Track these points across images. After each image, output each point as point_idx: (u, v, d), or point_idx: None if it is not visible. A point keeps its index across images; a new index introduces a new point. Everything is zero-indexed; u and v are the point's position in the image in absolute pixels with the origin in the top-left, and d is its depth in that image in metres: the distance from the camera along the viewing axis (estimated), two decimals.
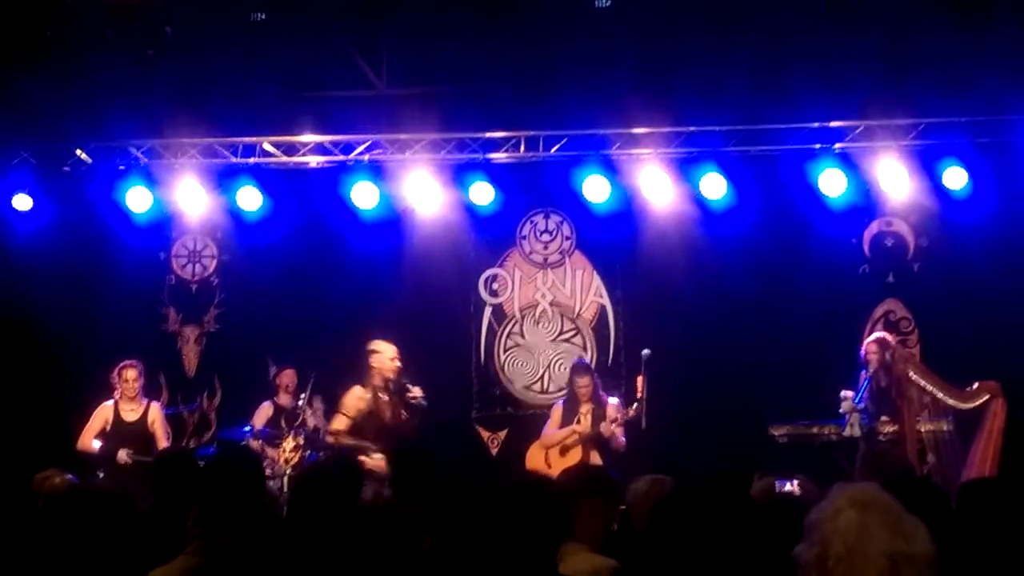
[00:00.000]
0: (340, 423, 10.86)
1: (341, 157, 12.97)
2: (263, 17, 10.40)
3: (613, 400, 11.55)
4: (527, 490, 3.85)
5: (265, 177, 13.01)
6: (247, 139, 12.96)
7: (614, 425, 11.24)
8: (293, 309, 13.17)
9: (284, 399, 11.90)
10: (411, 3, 10.73)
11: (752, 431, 11.34)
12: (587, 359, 12.81)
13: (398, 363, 10.94)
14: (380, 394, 10.91)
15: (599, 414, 11.39)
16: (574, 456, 11.25)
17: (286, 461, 11.00)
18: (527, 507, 3.72)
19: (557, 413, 11.66)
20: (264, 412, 11.85)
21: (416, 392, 10.90)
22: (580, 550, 5.13)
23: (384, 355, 11.01)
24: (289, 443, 11.17)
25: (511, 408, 13.25)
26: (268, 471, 10.96)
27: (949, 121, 12.30)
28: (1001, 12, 10.28)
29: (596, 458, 11.23)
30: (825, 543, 2.94)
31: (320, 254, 13.25)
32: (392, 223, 13.10)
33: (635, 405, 11.25)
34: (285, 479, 10.80)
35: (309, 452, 11.15)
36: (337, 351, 12.72)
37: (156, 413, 11.75)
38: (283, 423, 11.66)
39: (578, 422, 11.42)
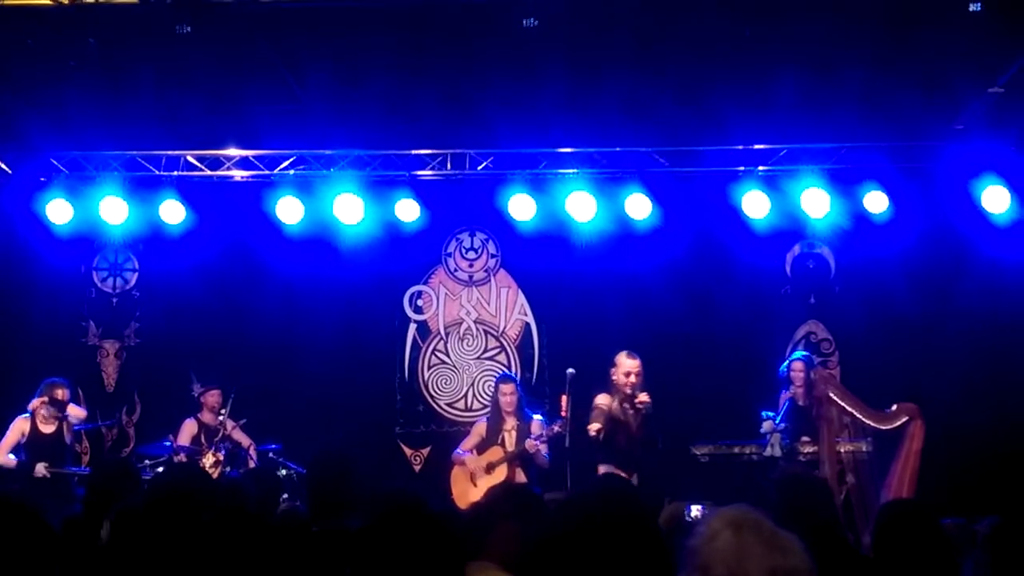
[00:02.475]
0: (597, 422, 10.69)
1: (266, 172, 12.92)
2: (189, 30, 10.27)
3: (537, 417, 11.56)
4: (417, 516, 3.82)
5: (188, 190, 12.92)
6: (170, 152, 12.87)
7: (539, 442, 11.25)
8: (215, 323, 13.08)
9: (207, 416, 11.83)
10: (338, 19, 10.66)
11: (675, 450, 11.38)
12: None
13: (633, 379, 10.79)
14: (624, 404, 10.82)
15: (524, 430, 11.39)
16: (500, 474, 11.24)
17: None
18: (418, 532, 3.70)
19: (479, 430, 11.63)
20: (189, 429, 11.79)
21: (644, 397, 10.79)
22: (488, 568, 5.11)
23: (620, 369, 10.91)
24: (209, 459, 11.14)
25: (435, 425, 13.23)
26: None
27: (870, 146, 12.49)
28: (919, 41, 10.43)
29: (521, 476, 11.23)
30: (705, 567, 2.97)
31: (243, 269, 13.17)
32: (317, 238, 13.04)
33: (559, 423, 11.25)
34: None
35: (229, 468, 11.11)
36: (259, 365, 12.69)
37: (23, 425, 11.61)
38: (203, 439, 11.60)
39: (502, 441, 11.41)
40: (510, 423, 11.47)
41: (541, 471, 11.26)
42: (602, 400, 10.75)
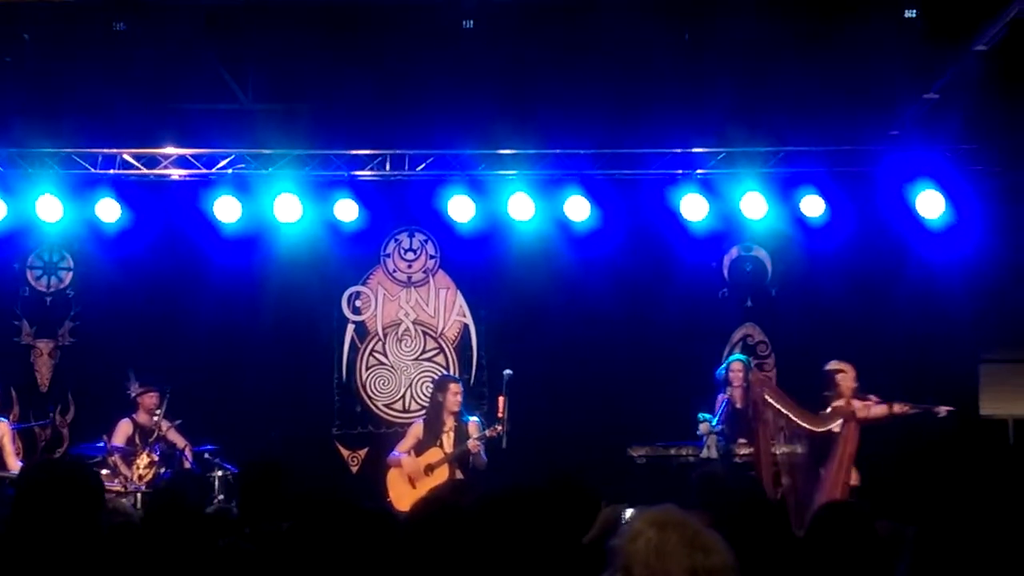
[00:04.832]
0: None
1: (203, 171, 12.82)
2: (124, 27, 10.20)
3: (474, 418, 11.56)
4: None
5: (125, 189, 12.82)
6: (107, 150, 12.75)
7: (481, 443, 11.25)
8: (151, 324, 12.97)
9: (143, 417, 11.74)
10: (278, 17, 10.62)
11: (612, 452, 11.43)
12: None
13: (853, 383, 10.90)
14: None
15: (462, 432, 11.39)
16: (440, 476, 11.22)
17: (139, 478, 10.95)
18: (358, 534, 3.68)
19: (416, 431, 11.61)
20: (124, 429, 11.70)
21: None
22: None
23: (850, 375, 10.94)
24: (143, 460, 11.08)
25: (372, 426, 13.18)
26: (121, 488, 10.84)
27: (807, 150, 12.59)
28: (855, 46, 10.53)
29: (462, 477, 11.23)
30: (627, 566, 2.99)
31: (180, 268, 13.05)
32: (255, 238, 12.97)
33: (497, 425, 11.26)
34: (139, 496, 10.68)
35: (163, 469, 11.05)
36: (196, 365, 12.60)
37: (5, 428, 11.52)
38: (138, 440, 11.51)
39: (440, 443, 11.39)
40: (449, 424, 11.46)
41: (478, 473, 11.26)
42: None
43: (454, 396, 11.53)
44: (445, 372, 12.87)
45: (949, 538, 3.64)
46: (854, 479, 10.80)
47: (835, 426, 10.82)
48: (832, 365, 11.10)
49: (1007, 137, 12.04)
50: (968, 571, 3.58)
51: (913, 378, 12.28)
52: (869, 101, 11.85)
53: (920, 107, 11.87)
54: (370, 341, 13.31)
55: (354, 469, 13.12)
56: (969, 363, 12.78)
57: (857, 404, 10.89)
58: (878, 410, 10.94)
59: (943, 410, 11.08)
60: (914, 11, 10.18)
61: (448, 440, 11.42)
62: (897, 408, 11.03)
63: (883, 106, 12.04)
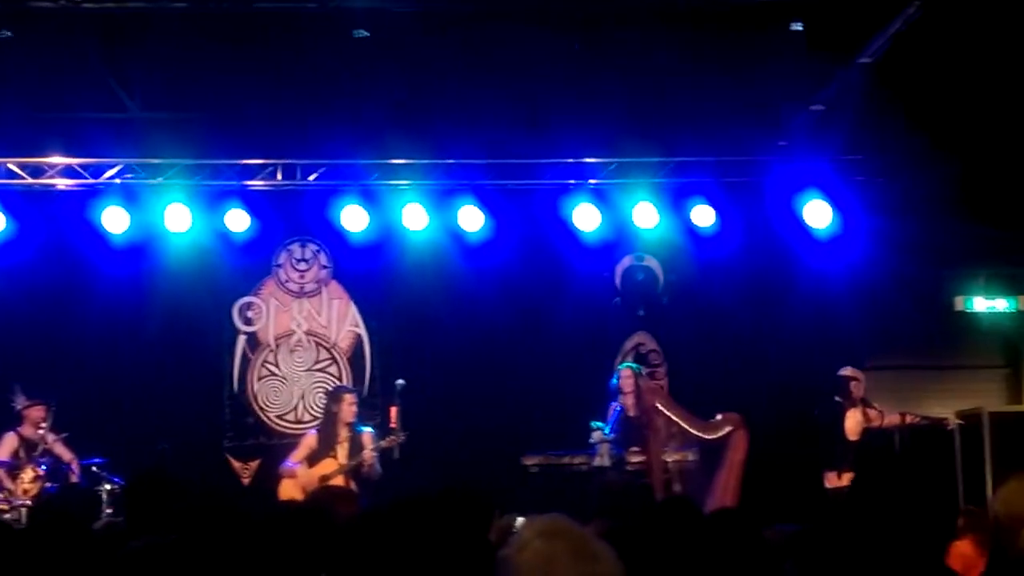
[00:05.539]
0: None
1: (91, 180, 12.64)
2: (9, 35, 10.04)
3: (368, 429, 11.51)
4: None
5: (9, 199, 12.60)
6: None
7: (373, 454, 11.21)
8: (38, 336, 12.72)
9: (28, 430, 11.51)
10: (167, 26, 10.51)
11: (506, 462, 11.46)
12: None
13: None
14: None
15: (356, 443, 11.34)
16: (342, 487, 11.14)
17: (24, 492, 10.76)
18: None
19: (309, 441, 11.52)
20: (8, 443, 11.47)
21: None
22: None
23: (862, 384, 11.45)
24: (28, 474, 10.88)
25: (264, 437, 13.06)
26: (6, 504, 10.64)
27: (698, 160, 12.74)
28: (743, 58, 10.69)
29: (356, 489, 11.16)
30: None
31: (67, 280, 12.82)
32: (143, 249, 12.80)
33: (390, 437, 11.23)
34: (24, 510, 10.49)
35: (49, 483, 10.86)
36: (84, 378, 12.40)
37: None
38: (23, 453, 11.29)
39: (335, 454, 11.33)
40: (344, 435, 11.40)
41: (370, 485, 11.21)
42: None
43: (349, 407, 11.48)
44: (338, 383, 12.80)
45: (829, 539, 3.71)
46: (845, 481, 10.99)
47: (724, 433, 10.96)
48: (846, 372, 11.42)
49: (891, 148, 12.27)
50: (847, 570, 3.65)
51: (801, 385, 12.46)
52: (757, 112, 12.04)
53: (807, 118, 12.08)
54: (262, 352, 13.20)
55: (246, 481, 12.99)
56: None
57: (872, 413, 11.22)
58: (892, 419, 11.29)
59: (952, 423, 11.38)
60: (800, 24, 10.36)
61: (342, 451, 11.35)
62: (909, 418, 11.42)
63: (771, 117, 12.25)
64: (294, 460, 11.45)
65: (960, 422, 11.44)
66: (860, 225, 12.63)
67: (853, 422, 11.34)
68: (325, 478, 11.21)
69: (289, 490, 11.32)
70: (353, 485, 11.19)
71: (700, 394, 11.99)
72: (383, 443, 11.27)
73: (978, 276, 14.74)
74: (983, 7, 9.81)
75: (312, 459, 11.38)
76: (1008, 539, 5.12)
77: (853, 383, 11.45)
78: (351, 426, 11.43)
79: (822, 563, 3.66)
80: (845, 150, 12.62)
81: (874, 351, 13.47)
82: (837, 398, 11.51)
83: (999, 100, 11.22)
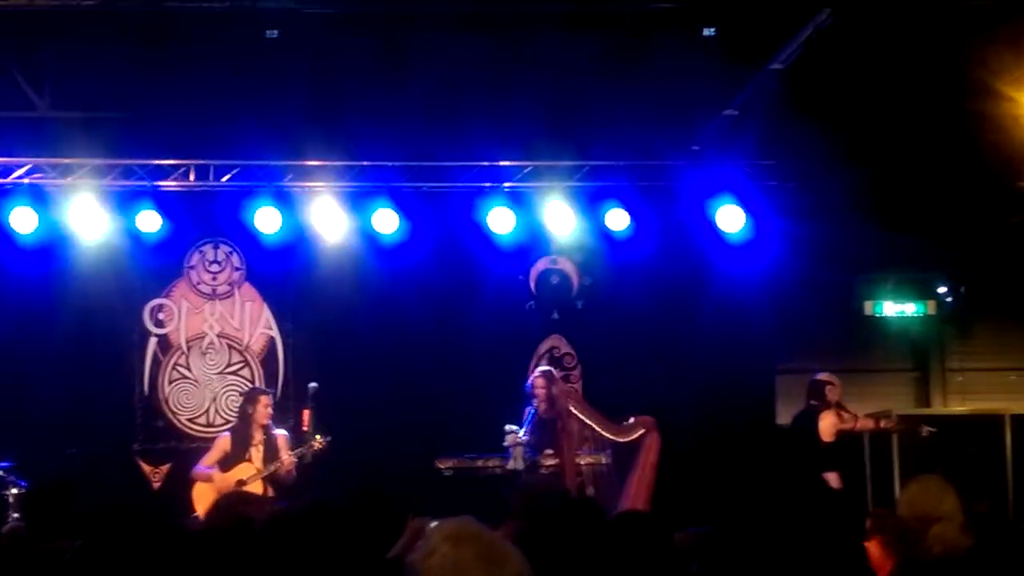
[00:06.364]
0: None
1: None
2: None
3: (283, 432, 11.44)
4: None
5: None
6: None
7: (294, 459, 11.13)
8: None
9: None
10: (78, 25, 10.38)
11: (420, 464, 11.43)
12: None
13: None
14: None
15: (272, 446, 11.27)
16: (253, 491, 11.03)
17: None
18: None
19: (223, 444, 11.42)
20: None
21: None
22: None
23: (837, 386, 11.54)
24: None
25: (175, 441, 12.91)
26: None
27: (612, 164, 12.80)
28: (657, 63, 10.76)
29: (271, 493, 11.08)
30: None
31: None
32: (52, 249, 12.62)
33: (312, 443, 11.15)
34: None
35: None
36: None
37: None
38: None
39: (250, 457, 11.24)
40: (258, 438, 11.32)
41: (286, 489, 11.13)
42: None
43: (264, 409, 11.40)
44: (252, 385, 12.69)
45: (735, 540, 3.74)
46: (835, 482, 11.13)
47: (637, 435, 11.02)
48: (822, 376, 11.53)
49: (803, 153, 12.41)
50: (751, 569, 3.69)
51: (713, 388, 12.58)
52: (671, 117, 12.12)
53: (720, 123, 12.18)
54: (173, 355, 13.06)
55: (156, 485, 12.84)
56: (766, 373, 13.15)
57: (846, 416, 11.39)
58: (865, 423, 11.47)
59: (926, 430, 11.53)
60: (713, 29, 10.44)
61: (257, 454, 11.27)
62: (883, 423, 11.63)
63: (684, 122, 12.34)
64: (207, 464, 11.34)
65: (932, 430, 11.67)
66: (772, 230, 12.76)
67: (827, 424, 11.46)
68: (242, 482, 11.12)
69: (204, 493, 11.20)
70: (270, 490, 11.13)
71: (614, 397, 12.04)
72: (304, 449, 11.20)
73: (887, 281, 15.03)
74: (893, 15, 9.94)
75: (226, 462, 11.28)
76: (913, 540, 5.20)
77: (828, 387, 11.60)
78: (266, 428, 11.35)
79: (727, 565, 3.70)
80: (757, 155, 12.75)
81: (785, 354, 13.66)
82: (813, 402, 11.65)
83: (908, 107, 11.39)
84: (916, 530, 5.24)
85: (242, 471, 11.20)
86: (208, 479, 11.25)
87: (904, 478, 11.97)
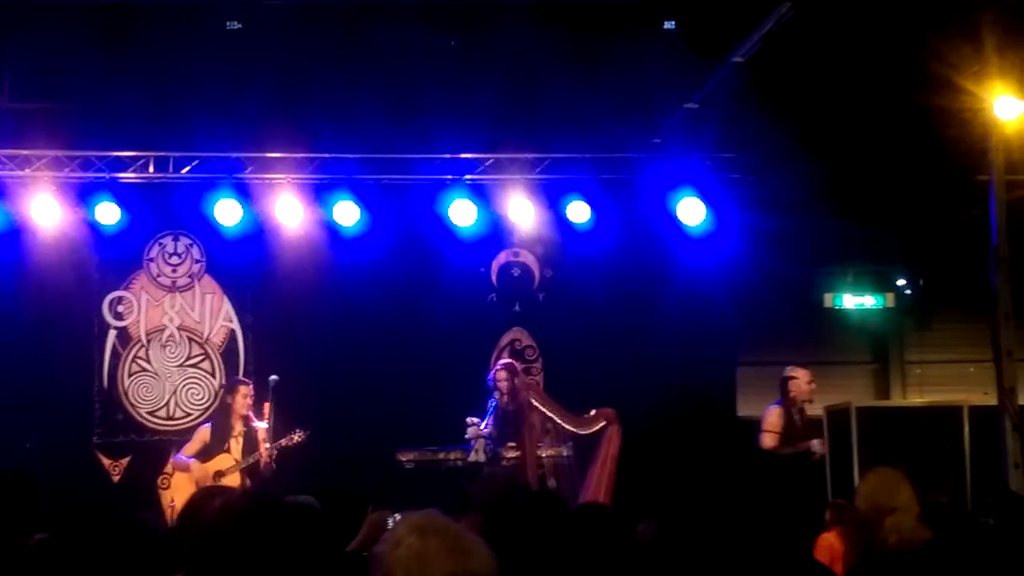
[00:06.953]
0: (770, 440, 11.02)
1: None
2: None
3: (262, 424, 11.39)
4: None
5: None
6: None
7: (273, 451, 11.11)
8: None
9: None
10: (36, 17, 10.32)
11: (381, 457, 11.42)
12: (218, 384, 12.63)
13: (813, 386, 11.26)
14: (793, 412, 11.27)
15: (251, 437, 11.25)
16: (231, 483, 11.01)
17: None
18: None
19: (203, 434, 11.42)
20: None
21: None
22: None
23: (801, 380, 11.31)
24: None
25: (135, 434, 12.85)
26: None
27: (573, 157, 12.81)
28: (618, 56, 10.79)
29: (249, 484, 11.07)
30: (389, 574, 3.00)
31: None
32: (10, 241, 12.54)
33: (293, 435, 11.13)
34: None
35: None
36: None
37: None
38: None
39: (228, 448, 11.21)
40: (238, 429, 11.32)
41: (264, 481, 11.10)
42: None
43: (244, 399, 11.38)
44: (211, 378, 12.65)
45: (692, 533, 3.76)
46: (818, 447, 11.07)
47: (598, 428, 11.06)
48: (787, 371, 11.42)
49: (763, 146, 12.46)
50: (710, 562, 3.70)
51: (675, 380, 12.60)
52: (632, 110, 12.14)
53: (681, 117, 12.20)
54: (133, 347, 12.99)
55: (116, 478, 12.78)
56: (727, 366, 13.20)
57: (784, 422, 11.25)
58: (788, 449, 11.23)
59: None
60: (673, 23, 10.47)
61: (237, 445, 11.26)
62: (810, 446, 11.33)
63: (646, 115, 12.35)
64: (188, 454, 11.34)
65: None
66: (732, 222, 12.80)
67: (770, 420, 11.37)
68: (220, 473, 11.12)
69: (183, 484, 11.18)
70: (248, 482, 11.11)
71: (575, 389, 12.07)
72: (286, 441, 11.17)
73: (847, 273, 15.08)
74: (853, 9, 9.99)
75: (205, 453, 11.28)
76: (870, 531, 5.24)
77: (790, 381, 11.45)
78: (246, 419, 11.33)
79: (686, 556, 3.72)
80: (718, 148, 12.80)
81: (745, 346, 13.70)
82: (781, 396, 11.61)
83: (868, 101, 11.45)
84: (873, 520, 5.28)
85: (221, 462, 11.19)
86: (186, 469, 11.25)
87: (863, 470, 12.02)
